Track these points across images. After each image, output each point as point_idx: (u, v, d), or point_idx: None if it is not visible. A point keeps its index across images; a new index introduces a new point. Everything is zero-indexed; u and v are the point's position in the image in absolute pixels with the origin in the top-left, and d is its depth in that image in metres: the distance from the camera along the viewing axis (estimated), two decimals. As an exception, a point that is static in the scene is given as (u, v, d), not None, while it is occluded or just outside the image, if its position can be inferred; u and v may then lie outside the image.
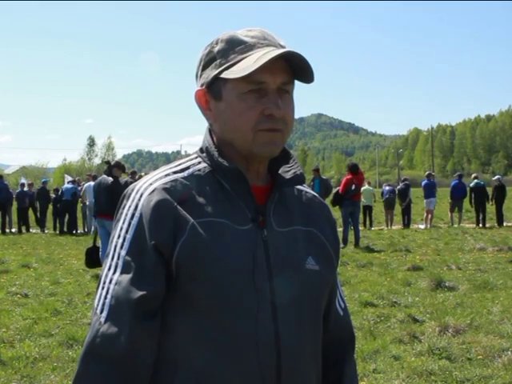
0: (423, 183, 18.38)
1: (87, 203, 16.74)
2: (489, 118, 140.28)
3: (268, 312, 1.13)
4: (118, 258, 1.13)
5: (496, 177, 18.94)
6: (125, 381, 1.09)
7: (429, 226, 17.58)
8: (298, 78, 1.18)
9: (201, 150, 1.24)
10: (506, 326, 5.53)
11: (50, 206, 18.84)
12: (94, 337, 1.10)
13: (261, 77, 1.12)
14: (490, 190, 17.86)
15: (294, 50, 1.12)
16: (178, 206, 1.13)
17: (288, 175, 1.23)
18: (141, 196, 1.15)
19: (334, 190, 13.38)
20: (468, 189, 17.72)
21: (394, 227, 17.88)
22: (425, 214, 18.15)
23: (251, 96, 1.14)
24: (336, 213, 10.57)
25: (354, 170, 12.71)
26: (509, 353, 4.68)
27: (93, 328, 1.11)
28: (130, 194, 1.18)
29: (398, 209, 18.43)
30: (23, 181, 21.91)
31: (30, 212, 19.11)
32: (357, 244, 12.46)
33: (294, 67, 1.15)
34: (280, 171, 1.24)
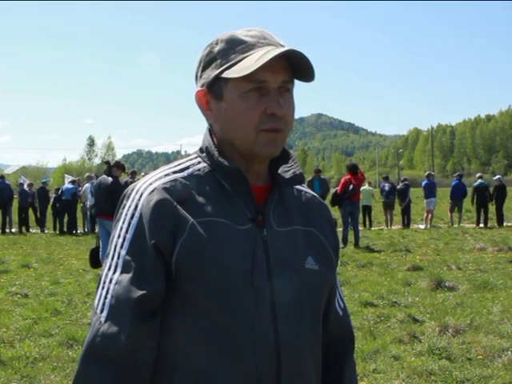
0: (423, 183, 18.39)
1: (88, 203, 16.71)
2: (489, 118, 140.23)
3: (268, 312, 1.13)
4: (118, 258, 1.13)
5: (496, 177, 18.93)
6: (124, 380, 1.09)
7: (429, 226, 17.58)
8: (298, 76, 1.18)
9: (200, 149, 1.24)
10: (506, 325, 5.53)
11: (50, 206, 18.84)
12: (94, 336, 1.10)
13: (262, 75, 1.12)
14: (490, 190, 17.86)
15: (295, 48, 1.12)
16: (178, 206, 1.13)
17: (288, 175, 1.23)
18: (141, 196, 1.15)
19: (333, 190, 13.40)
20: (471, 188, 17.73)
21: (393, 227, 17.87)
22: (425, 214, 18.14)
23: (252, 95, 1.14)
24: (336, 213, 10.58)
25: (352, 170, 12.75)
26: (509, 353, 4.68)
27: (93, 328, 1.11)
28: (130, 194, 1.18)
29: (397, 209, 18.42)
30: (22, 181, 21.85)
31: (30, 212, 19.11)
32: (356, 244, 12.47)
33: (295, 66, 1.15)
34: (279, 171, 1.24)
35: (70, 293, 7.54)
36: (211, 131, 1.24)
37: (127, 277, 1.10)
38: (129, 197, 1.18)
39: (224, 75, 1.15)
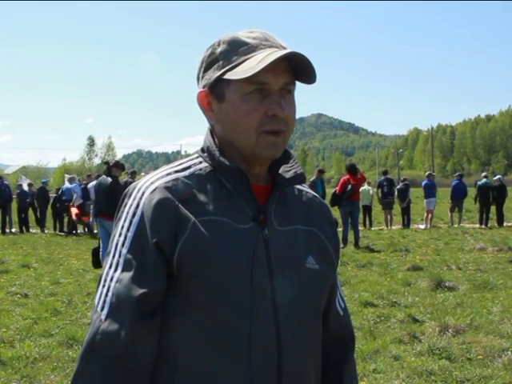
0: (423, 183, 18.37)
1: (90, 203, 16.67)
2: (489, 118, 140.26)
3: (269, 311, 1.13)
4: (119, 256, 1.13)
5: (497, 177, 18.92)
6: (125, 378, 1.09)
7: (429, 226, 17.57)
8: (299, 78, 1.18)
9: (202, 149, 1.25)
10: (506, 325, 5.53)
11: (50, 206, 18.81)
12: (94, 334, 1.10)
13: (264, 77, 1.13)
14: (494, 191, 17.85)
15: (296, 50, 1.12)
16: (180, 205, 1.13)
17: (288, 175, 1.24)
18: (142, 194, 1.16)
19: (332, 190, 13.42)
20: (476, 187, 17.70)
21: (393, 227, 17.85)
22: (425, 214, 18.13)
23: (254, 97, 1.14)
24: (336, 213, 10.58)
25: (351, 170, 12.76)
26: (509, 353, 4.68)
27: (93, 325, 1.11)
28: (132, 193, 1.18)
29: (397, 209, 18.42)
30: (21, 181, 21.84)
31: (30, 212, 19.10)
32: (356, 244, 12.47)
33: (296, 68, 1.15)
34: (280, 171, 1.24)
35: (70, 293, 7.54)
36: (212, 132, 1.24)
37: (128, 275, 1.11)
38: (130, 195, 1.18)
39: (226, 77, 1.15)
